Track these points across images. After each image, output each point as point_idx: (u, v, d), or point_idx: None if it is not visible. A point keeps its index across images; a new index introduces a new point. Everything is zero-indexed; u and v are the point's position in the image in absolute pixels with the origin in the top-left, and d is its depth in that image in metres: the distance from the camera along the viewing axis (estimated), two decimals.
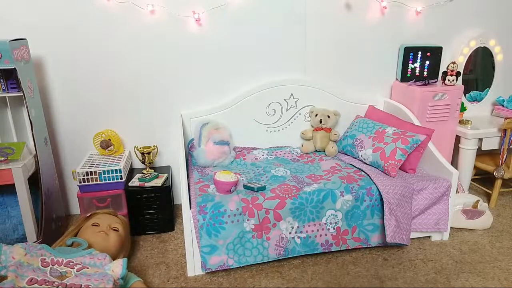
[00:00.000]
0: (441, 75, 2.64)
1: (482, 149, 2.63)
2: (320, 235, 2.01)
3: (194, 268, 1.93)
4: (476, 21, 2.77)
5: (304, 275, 1.94)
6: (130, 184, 2.28)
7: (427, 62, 2.67)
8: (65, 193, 2.56)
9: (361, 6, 2.56)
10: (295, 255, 2.00)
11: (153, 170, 2.40)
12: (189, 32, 2.39)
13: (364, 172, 2.20)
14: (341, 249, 2.06)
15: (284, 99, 2.62)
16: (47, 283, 1.42)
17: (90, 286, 1.43)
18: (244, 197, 1.93)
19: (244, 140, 2.63)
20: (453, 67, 2.56)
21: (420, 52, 2.63)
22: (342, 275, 1.94)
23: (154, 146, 2.44)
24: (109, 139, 2.40)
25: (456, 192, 2.35)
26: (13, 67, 1.85)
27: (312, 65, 2.63)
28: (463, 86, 2.63)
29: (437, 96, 2.54)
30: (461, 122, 2.68)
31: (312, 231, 2.00)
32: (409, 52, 2.63)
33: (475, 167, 2.72)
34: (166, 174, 2.39)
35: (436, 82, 2.68)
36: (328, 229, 2.02)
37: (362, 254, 2.11)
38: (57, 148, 2.46)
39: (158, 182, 2.29)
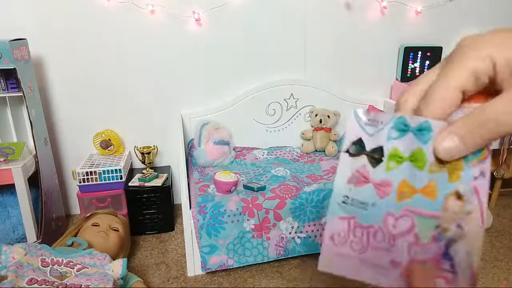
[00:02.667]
0: None
1: None
2: (320, 235, 2.01)
3: (194, 268, 1.92)
4: (476, 21, 2.77)
5: (304, 275, 1.94)
6: (130, 184, 2.28)
7: (427, 62, 2.66)
8: (65, 193, 2.55)
9: (361, 6, 2.55)
10: (295, 255, 2.00)
11: (153, 170, 2.40)
12: (189, 32, 2.39)
13: None
14: None
15: (284, 99, 2.62)
16: (47, 283, 1.42)
17: (90, 286, 1.43)
18: (244, 197, 1.93)
19: (244, 140, 2.63)
20: None
21: (420, 52, 2.63)
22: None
23: (154, 146, 2.44)
24: (109, 139, 2.39)
25: None
26: (13, 67, 1.85)
27: (312, 65, 2.63)
28: None
29: None
30: None
31: (312, 231, 1.99)
32: (409, 52, 2.63)
33: None
34: (166, 174, 2.39)
35: None
36: None
37: None
38: (57, 148, 2.46)
39: (158, 182, 2.29)
